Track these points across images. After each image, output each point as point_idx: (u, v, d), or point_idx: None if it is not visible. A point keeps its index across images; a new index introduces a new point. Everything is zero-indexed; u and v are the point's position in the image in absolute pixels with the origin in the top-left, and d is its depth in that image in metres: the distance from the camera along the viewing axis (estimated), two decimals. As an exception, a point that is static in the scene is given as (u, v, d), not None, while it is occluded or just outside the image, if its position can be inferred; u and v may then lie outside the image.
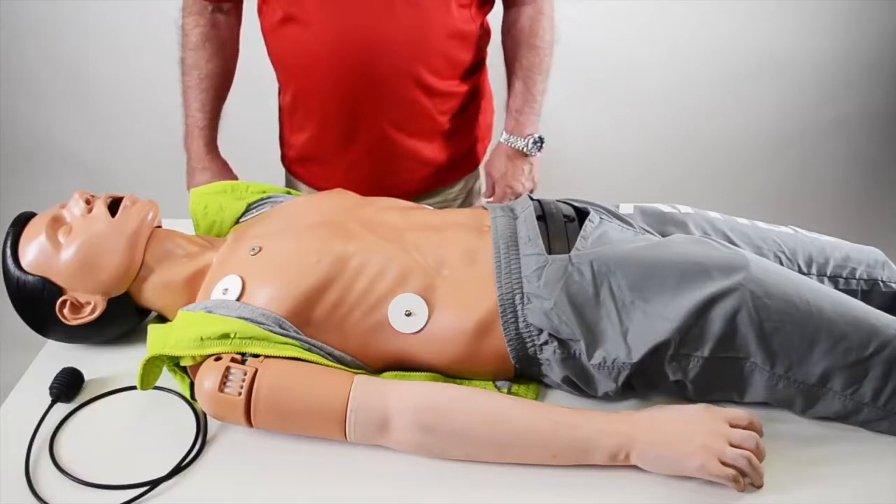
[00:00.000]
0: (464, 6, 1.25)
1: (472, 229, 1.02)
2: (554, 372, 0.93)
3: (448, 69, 1.29)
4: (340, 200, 1.08)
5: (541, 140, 1.36)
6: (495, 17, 1.36)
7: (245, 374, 0.85)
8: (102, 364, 1.02)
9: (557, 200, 1.08)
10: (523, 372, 0.95)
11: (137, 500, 0.82)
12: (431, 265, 0.96)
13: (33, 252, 0.97)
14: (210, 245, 1.05)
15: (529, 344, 0.93)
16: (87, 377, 0.99)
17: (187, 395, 0.93)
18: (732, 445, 0.81)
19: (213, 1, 1.30)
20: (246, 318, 0.89)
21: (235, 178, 1.41)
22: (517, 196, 1.38)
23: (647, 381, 0.91)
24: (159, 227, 1.06)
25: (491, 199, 1.44)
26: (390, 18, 1.19)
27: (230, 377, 0.86)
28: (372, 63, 1.22)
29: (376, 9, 1.18)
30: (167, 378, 0.95)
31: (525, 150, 1.36)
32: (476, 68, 1.36)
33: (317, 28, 1.21)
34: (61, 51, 2.46)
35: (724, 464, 0.80)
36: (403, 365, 0.96)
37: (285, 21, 1.23)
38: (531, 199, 1.07)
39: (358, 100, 1.26)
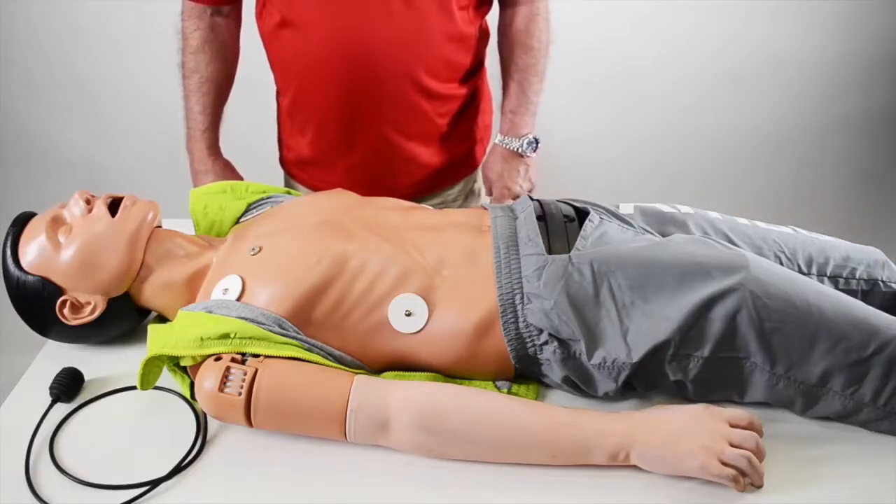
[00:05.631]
0: (462, 8, 1.24)
1: (471, 229, 1.02)
2: (554, 372, 0.93)
3: (447, 72, 1.28)
4: (340, 200, 1.08)
5: (536, 141, 1.36)
6: (494, 19, 1.36)
7: (245, 374, 0.85)
8: (102, 364, 1.02)
9: (557, 200, 1.08)
10: (523, 372, 0.95)
11: (137, 500, 0.82)
12: (431, 265, 0.97)
13: (33, 252, 0.97)
14: (210, 245, 1.05)
15: (529, 344, 0.93)
16: (87, 377, 0.99)
17: (187, 395, 0.93)
18: (732, 445, 0.81)
19: (211, 4, 1.30)
20: (246, 318, 0.89)
21: (240, 178, 1.41)
22: (515, 197, 1.38)
23: (647, 381, 0.91)
24: (159, 227, 1.06)
25: (490, 201, 1.44)
26: (388, 21, 1.19)
27: (230, 377, 0.86)
28: (370, 66, 1.22)
29: (373, 12, 1.18)
30: (167, 378, 0.95)
31: (520, 150, 1.36)
32: (475, 70, 1.35)
33: (313, 32, 1.21)
34: (60, 51, 2.46)
35: (725, 464, 0.80)
36: (403, 365, 0.96)
37: (282, 25, 1.23)
38: (531, 199, 1.07)
39: (356, 103, 1.26)
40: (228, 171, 1.41)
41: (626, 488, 0.83)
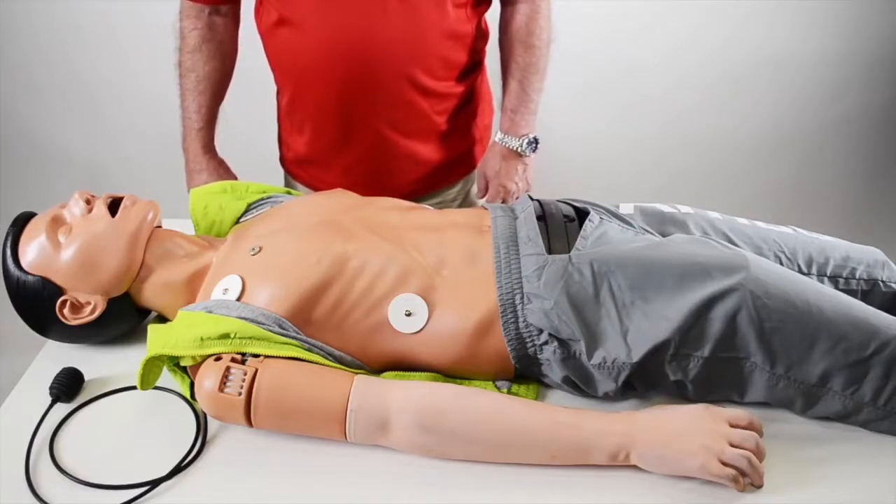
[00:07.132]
0: (459, 6, 1.24)
1: (472, 229, 1.02)
2: (554, 372, 0.93)
3: (443, 70, 1.28)
4: (340, 200, 1.08)
5: (536, 141, 1.36)
6: (495, 19, 1.36)
7: (245, 374, 0.85)
8: (102, 364, 1.02)
9: (558, 200, 1.08)
10: (523, 372, 0.95)
11: (137, 500, 0.82)
12: (431, 265, 0.97)
13: (33, 252, 0.97)
14: (210, 245, 1.05)
15: (529, 344, 0.93)
16: (87, 377, 0.99)
17: (187, 395, 0.93)
18: (732, 445, 0.81)
19: (210, 3, 1.30)
20: (246, 318, 0.89)
21: (234, 177, 1.42)
22: (510, 196, 1.38)
23: (647, 381, 0.91)
24: (159, 227, 1.06)
25: (484, 199, 1.44)
26: (384, 19, 1.19)
27: (230, 377, 0.86)
28: (367, 64, 1.22)
29: (369, 10, 1.18)
30: (167, 378, 0.95)
31: (519, 150, 1.35)
32: (473, 69, 1.35)
33: (310, 30, 1.21)
34: (60, 51, 2.46)
35: (725, 464, 0.80)
36: (403, 365, 0.96)
37: (280, 23, 1.24)
38: (531, 199, 1.07)
39: (353, 101, 1.26)
40: (223, 170, 1.41)
41: (626, 488, 0.83)
